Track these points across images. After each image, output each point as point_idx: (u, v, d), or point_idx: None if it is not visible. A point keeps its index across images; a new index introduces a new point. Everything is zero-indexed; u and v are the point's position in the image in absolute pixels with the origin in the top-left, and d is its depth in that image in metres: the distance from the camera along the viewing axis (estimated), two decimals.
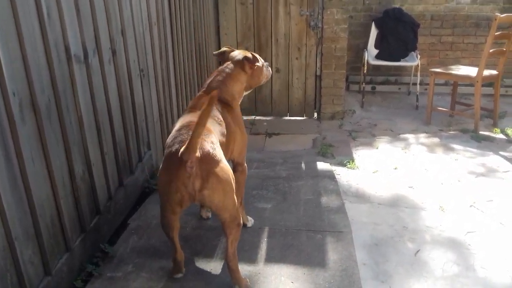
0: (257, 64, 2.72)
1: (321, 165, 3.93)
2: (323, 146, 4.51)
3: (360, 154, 4.43)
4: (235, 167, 2.70)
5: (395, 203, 3.36)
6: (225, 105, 2.60)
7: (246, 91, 2.78)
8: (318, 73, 5.54)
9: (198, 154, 1.99)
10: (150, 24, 3.29)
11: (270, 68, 2.93)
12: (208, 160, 2.02)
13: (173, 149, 2.08)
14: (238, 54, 2.76)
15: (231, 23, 5.49)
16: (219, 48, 5.58)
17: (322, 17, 5.30)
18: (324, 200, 3.15)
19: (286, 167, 3.89)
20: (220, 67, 2.74)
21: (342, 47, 5.38)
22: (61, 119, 2.15)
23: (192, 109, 2.52)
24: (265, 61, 5.69)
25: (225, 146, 2.47)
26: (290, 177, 3.61)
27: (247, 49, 5.52)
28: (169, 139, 2.21)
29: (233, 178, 2.15)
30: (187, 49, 4.23)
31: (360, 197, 3.44)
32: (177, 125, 2.34)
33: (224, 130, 2.44)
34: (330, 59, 5.42)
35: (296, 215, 2.93)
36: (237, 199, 2.70)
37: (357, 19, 6.54)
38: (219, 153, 2.10)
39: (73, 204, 2.29)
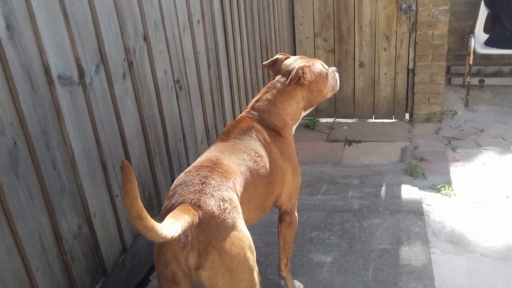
0: (314, 72, 2.03)
1: (407, 192, 3.13)
2: (412, 163, 3.66)
3: (460, 173, 3.52)
4: (281, 216, 2.05)
5: (507, 254, 2.49)
6: (273, 133, 1.96)
7: (305, 110, 2.12)
8: (410, 66, 4.65)
9: (195, 217, 1.38)
10: (191, 23, 2.70)
11: (337, 75, 2.22)
12: (211, 226, 1.40)
13: (169, 204, 1.50)
14: (293, 62, 2.10)
15: (307, 11, 4.75)
16: (294, 42, 4.90)
17: None
18: (405, 252, 2.39)
19: (361, 193, 3.14)
20: (271, 82, 2.10)
21: (441, 34, 4.44)
22: (37, 165, 1.63)
23: (224, 137, 1.91)
24: (346, 55, 4.85)
25: (266, 190, 1.84)
26: (364, 210, 2.87)
27: (325, 40, 4.78)
28: (174, 184, 1.62)
29: (251, 251, 1.50)
30: (248, 47, 3.60)
31: (457, 243, 2.61)
32: (196, 161, 1.74)
33: (263, 170, 1.81)
34: (426, 49, 4.50)
35: (363, 278, 2.22)
36: (282, 260, 2.07)
37: None
38: (231, 216, 1.46)
39: (62, 272, 1.78)
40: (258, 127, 1.94)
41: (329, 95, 2.20)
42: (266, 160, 1.85)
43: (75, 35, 1.80)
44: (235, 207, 1.50)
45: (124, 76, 2.12)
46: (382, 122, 4.88)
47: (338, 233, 2.62)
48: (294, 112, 2.04)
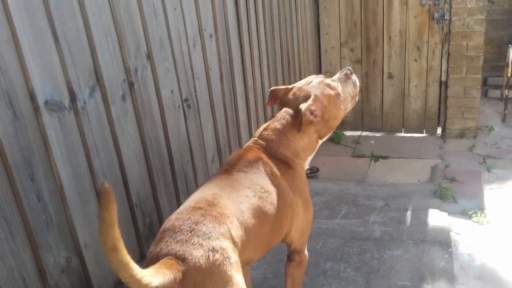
0: (323, 103, 1.84)
1: (435, 218, 2.89)
2: (442, 184, 3.41)
3: (495, 197, 3.26)
4: (290, 255, 1.87)
5: None
6: (282, 165, 1.80)
7: (322, 138, 1.93)
8: (443, 79, 4.39)
9: (179, 273, 1.23)
10: (202, 38, 2.56)
11: (355, 78, 2.02)
12: (197, 282, 1.25)
13: (153, 252, 1.35)
14: (298, 92, 1.90)
15: (333, 19, 4.56)
16: (319, 52, 4.70)
17: (450, 7, 4.14)
18: None
19: (383, 218, 2.93)
20: (279, 112, 1.92)
21: (477, 45, 4.17)
22: (18, 198, 1.52)
23: (228, 169, 1.75)
24: (372, 64, 4.54)
25: (273, 228, 1.68)
26: (385, 239, 2.66)
27: (352, 50, 4.57)
28: (163, 226, 1.47)
29: None
30: (268, 60, 3.45)
31: (487, 280, 2.37)
32: (189, 199, 1.58)
33: (270, 207, 1.65)
34: (460, 61, 4.23)
35: None
36: None
37: (500, 4, 5.14)
38: (222, 268, 1.31)
39: None
40: (266, 158, 1.78)
41: (349, 107, 2.01)
42: (273, 196, 1.68)
43: (66, 57, 1.69)
44: (227, 257, 1.34)
45: (124, 97, 2.00)
46: (412, 136, 4.63)
47: (355, 265, 2.42)
48: (306, 145, 1.86)
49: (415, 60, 4.42)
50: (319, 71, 4.70)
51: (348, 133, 4.76)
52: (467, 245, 2.66)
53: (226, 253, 1.34)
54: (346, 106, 1.97)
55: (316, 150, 1.94)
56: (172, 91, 2.33)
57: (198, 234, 1.33)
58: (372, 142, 4.57)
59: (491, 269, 2.44)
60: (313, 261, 2.47)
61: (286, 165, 1.80)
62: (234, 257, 1.37)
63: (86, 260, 1.82)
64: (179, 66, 2.37)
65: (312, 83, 1.92)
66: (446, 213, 2.97)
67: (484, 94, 5.05)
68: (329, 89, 1.88)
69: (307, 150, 1.87)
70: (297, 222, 1.79)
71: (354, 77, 2.00)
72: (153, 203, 2.24)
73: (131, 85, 2.03)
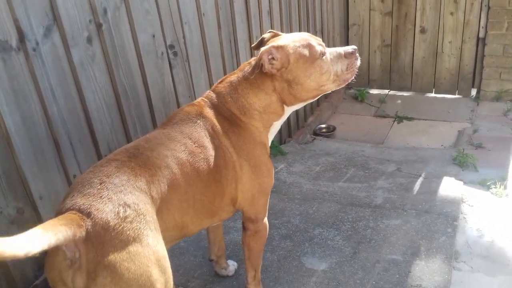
0: (288, 57, 1.54)
1: (447, 187, 2.62)
2: (464, 150, 3.10)
3: None
4: (244, 223, 1.68)
5: None
6: (228, 123, 1.59)
7: (289, 105, 1.63)
8: (481, 35, 3.98)
9: (80, 230, 1.08)
10: None
11: (354, 68, 1.63)
12: (104, 240, 1.10)
13: (59, 208, 1.18)
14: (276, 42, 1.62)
15: None
16: (347, 1, 4.34)
17: None
18: (418, 268, 1.95)
19: (390, 184, 2.69)
20: (243, 64, 1.69)
21: None
22: None
23: (164, 124, 1.58)
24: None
25: (209, 190, 1.50)
26: (386, 207, 2.43)
27: (382, 1, 4.19)
28: (75, 181, 1.31)
29: (162, 271, 1.18)
30: (281, 6, 3.18)
31: (493, 260, 2.12)
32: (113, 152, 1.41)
33: (203, 164, 1.47)
34: (501, 15, 3.82)
35: None
36: (249, 272, 1.74)
37: None
38: (133, 226, 1.14)
39: None
40: (209, 113, 1.57)
41: (330, 87, 1.62)
42: (210, 153, 1.49)
43: None
44: (141, 214, 1.17)
45: (90, 40, 1.84)
46: (443, 98, 4.27)
47: (346, 233, 2.22)
48: (264, 104, 1.59)
49: (451, 13, 4.00)
50: (345, 23, 4.36)
51: (374, 91, 4.45)
52: (478, 219, 2.40)
53: (139, 209, 1.18)
54: (323, 83, 1.59)
55: (283, 117, 1.65)
56: (154, 36, 2.15)
57: (109, 187, 1.18)
58: (399, 101, 4.25)
59: (501, 248, 2.19)
60: (302, 227, 2.29)
61: (231, 123, 1.58)
62: (150, 214, 1.21)
63: (41, 212, 1.73)
64: (162, 8, 2.17)
65: (294, 35, 1.67)
66: (462, 182, 2.70)
67: None
68: (306, 49, 1.56)
69: (268, 112, 1.60)
70: (243, 187, 1.58)
71: (355, 61, 1.62)
72: None
73: (98, 26, 1.86)
